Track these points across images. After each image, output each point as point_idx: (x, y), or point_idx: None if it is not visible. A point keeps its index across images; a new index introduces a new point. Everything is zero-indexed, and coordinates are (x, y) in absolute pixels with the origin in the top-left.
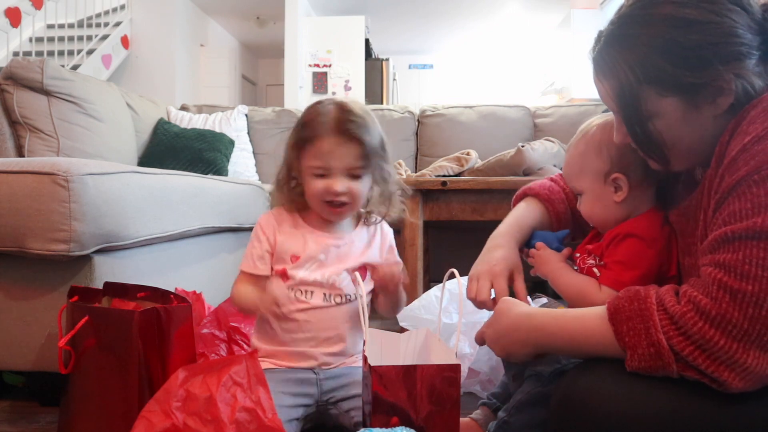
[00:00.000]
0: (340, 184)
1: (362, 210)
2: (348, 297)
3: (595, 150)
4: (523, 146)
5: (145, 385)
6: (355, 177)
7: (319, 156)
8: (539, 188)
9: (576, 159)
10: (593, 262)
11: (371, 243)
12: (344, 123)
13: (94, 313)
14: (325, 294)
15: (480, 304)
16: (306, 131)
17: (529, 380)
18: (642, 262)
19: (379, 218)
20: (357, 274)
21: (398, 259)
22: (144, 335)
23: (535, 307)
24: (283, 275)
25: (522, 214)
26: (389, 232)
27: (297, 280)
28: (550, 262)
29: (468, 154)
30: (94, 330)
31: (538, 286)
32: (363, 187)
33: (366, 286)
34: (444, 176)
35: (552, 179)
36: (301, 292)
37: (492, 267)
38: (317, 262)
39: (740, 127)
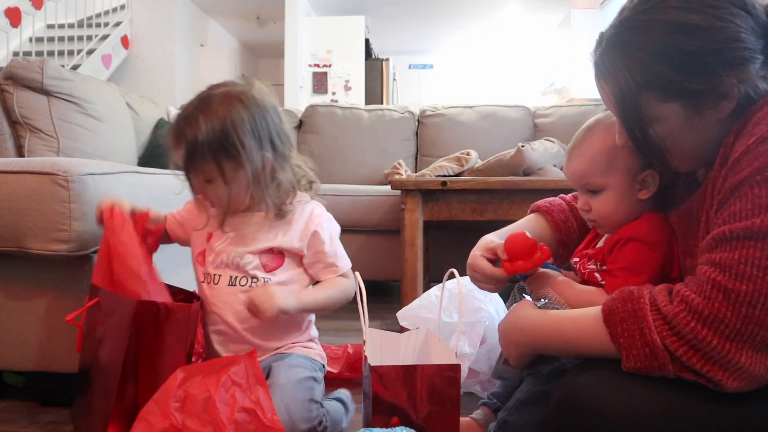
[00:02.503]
0: (195, 187)
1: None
2: (261, 281)
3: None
4: (523, 146)
5: (130, 376)
6: (208, 180)
7: None
8: (542, 202)
9: (604, 153)
10: (594, 267)
11: (289, 227)
12: (177, 120)
13: (103, 296)
14: (231, 276)
15: (486, 278)
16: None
17: (528, 379)
18: (647, 266)
19: (292, 205)
20: (356, 273)
21: (327, 249)
22: (138, 325)
23: (535, 309)
24: (201, 257)
25: (518, 224)
26: (320, 217)
27: (209, 261)
28: (550, 277)
29: (468, 154)
30: (103, 313)
31: None
32: (215, 191)
33: (281, 275)
34: (444, 176)
35: (561, 197)
36: (211, 276)
37: (474, 250)
38: (227, 239)
39: (745, 129)
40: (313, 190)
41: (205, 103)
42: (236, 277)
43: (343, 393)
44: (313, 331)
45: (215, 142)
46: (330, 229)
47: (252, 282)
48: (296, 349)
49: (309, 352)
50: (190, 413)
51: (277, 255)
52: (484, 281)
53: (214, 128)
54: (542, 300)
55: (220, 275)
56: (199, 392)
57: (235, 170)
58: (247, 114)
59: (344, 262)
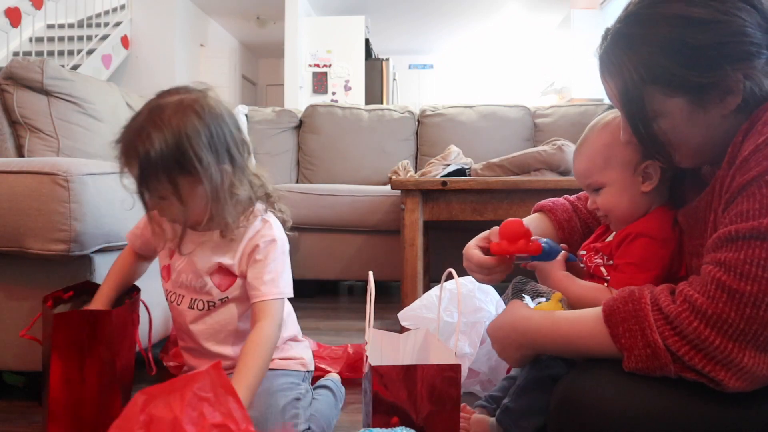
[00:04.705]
0: (150, 206)
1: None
2: (218, 302)
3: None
4: (563, 145)
5: (60, 386)
6: (162, 198)
7: None
8: (546, 202)
9: (601, 150)
10: (601, 261)
11: (236, 246)
12: (126, 135)
13: (44, 312)
14: (191, 299)
15: (476, 267)
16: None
17: (529, 365)
18: (655, 263)
19: (244, 223)
20: (370, 273)
21: (260, 268)
22: (57, 336)
23: (533, 311)
24: (166, 271)
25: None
26: (266, 238)
27: (172, 280)
28: (551, 273)
29: (447, 150)
30: (42, 327)
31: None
32: (171, 209)
33: (235, 291)
34: (446, 176)
35: (565, 197)
36: (174, 295)
37: (470, 241)
38: (186, 258)
39: (754, 128)
40: (270, 201)
41: (156, 115)
42: (195, 300)
43: (330, 380)
44: (289, 330)
45: (169, 158)
46: (269, 247)
47: (209, 306)
48: (274, 364)
49: (288, 364)
50: None
51: (227, 273)
52: (476, 270)
53: (167, 142)
54: (543, 299)
55: (183, 296)
56: (163, 414)
57: (192, 187)
58: (202, 125)
59: (269, 288)
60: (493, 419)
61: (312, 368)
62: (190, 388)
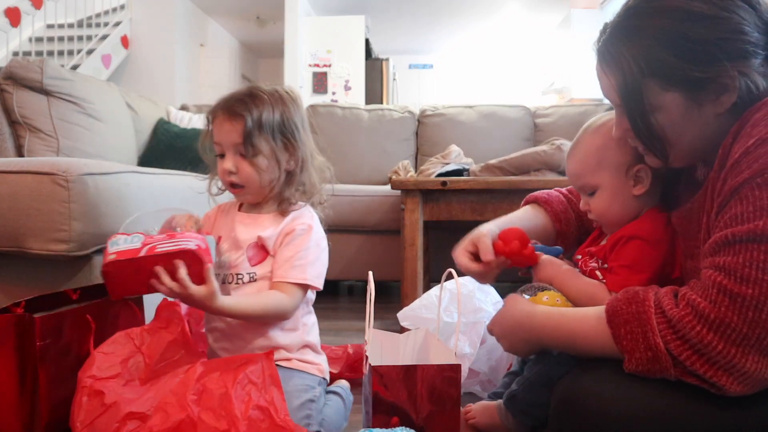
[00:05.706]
0: (228, 162)
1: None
2: (246, 277)
3: (617, 142)
4: (562, 144)
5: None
6: (246, 156)
7: (215, 133)
8: (539, 193)
9: (593, 153)
10: (596, 265)
11: (276, 221)
12: (232, 99)
13: None
14: (224, 275)
15: (465, 269)
16: (211, 112)
17: (537, 357)
18: (648, 265)
19: (296, 207)
20: (370, 273)
21: (291, 252)
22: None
23: (536, 305)
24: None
25: (515, 214)
26: (304, 225)
27: (216, 261)
28: (552, 265)
29: (448, 149)
30: None
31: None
32: (255, 168)
33: (264, 268)
34: (444, 174)
35: (557, 190)
36: (217, 275)
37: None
38: (231, 241)
39: (743, 130)
40: (317, 198)
41: (259, 90)
42: (226, 274)
43: (340, 386)
44: (311, 336)
45: (275, 123)
46: (304, 235)
47: (237, 279)
48: (293, 364)
49: (306, 366)
50: (206, 407)
51: (261, 248)
52: (467, 273)
53: (275, 109)
54: (544, 299)
55: (219, 274)
56: (216, 387)
57: (283, 151)
58: (296, 109)
59: (295, 273)
60: (500, 401)
61: (327, 377)
62: (243, 369)
